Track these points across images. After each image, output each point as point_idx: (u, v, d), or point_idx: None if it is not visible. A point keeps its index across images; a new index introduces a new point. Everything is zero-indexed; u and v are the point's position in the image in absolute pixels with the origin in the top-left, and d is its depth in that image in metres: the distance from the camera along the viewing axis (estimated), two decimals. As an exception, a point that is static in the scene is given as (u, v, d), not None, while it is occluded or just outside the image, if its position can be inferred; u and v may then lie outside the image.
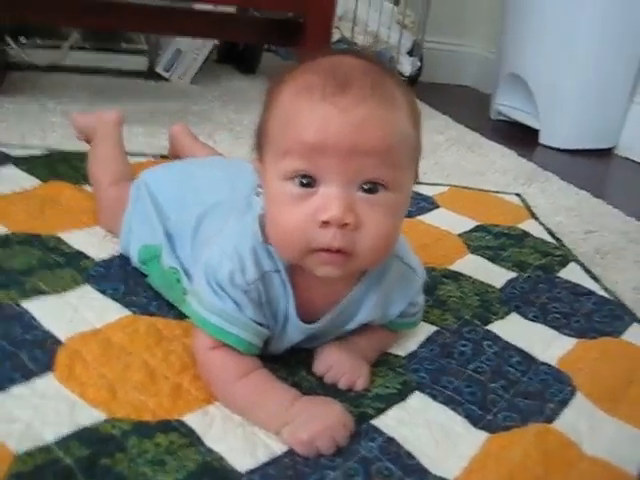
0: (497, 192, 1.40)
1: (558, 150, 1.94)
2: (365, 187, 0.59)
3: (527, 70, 2.02)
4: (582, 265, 1.09)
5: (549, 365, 0.79)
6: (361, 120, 0.57)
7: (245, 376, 0.64)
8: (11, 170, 1.13)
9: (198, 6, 1.65)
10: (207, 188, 0.82)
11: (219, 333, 0.64)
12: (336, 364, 0.70)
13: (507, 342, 0.82)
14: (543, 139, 1.98)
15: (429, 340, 0.80)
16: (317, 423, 0.60)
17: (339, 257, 0.60)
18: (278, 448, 0.60)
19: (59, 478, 0.53)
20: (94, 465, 0.55)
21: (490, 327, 0.86)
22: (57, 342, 0.70)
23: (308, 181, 0.58)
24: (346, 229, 0.58)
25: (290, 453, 0.59)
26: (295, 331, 0.68)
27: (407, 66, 2.22)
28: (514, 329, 0.86)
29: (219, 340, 0.64)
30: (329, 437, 0.59)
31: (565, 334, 0.87)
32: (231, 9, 1.78)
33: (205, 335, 0.65)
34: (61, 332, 0.72)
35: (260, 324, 0.65)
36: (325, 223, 0.58)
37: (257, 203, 0.67)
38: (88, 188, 1.06)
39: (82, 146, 1.18)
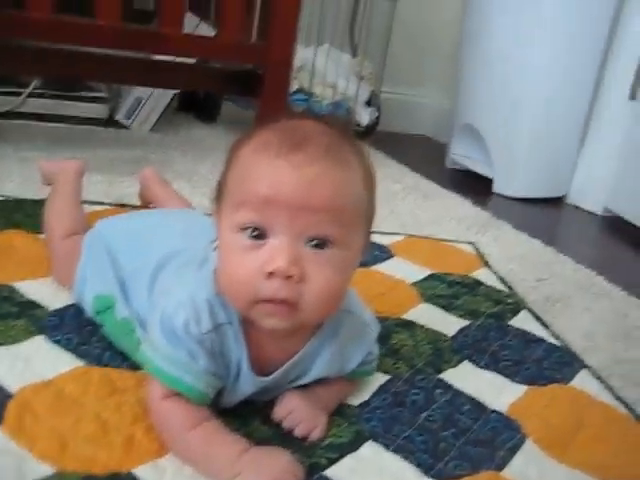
0: (451, 241, 1.43)
1: (511, 199, 1.99)
2: (313, 243, 0.60)
3: (480, 121, 2.09)
4: (533, 313, 1.12)
5: (499, 413, 0.81)
6: (313, 178, 0.59)
7: (196, 426, 0.64)
8: (-35, 218, 1.12)
9: (158, 56, 1.67)
10: (163, 239, 0.82)
11: (172, 381, 0.64)
12: (295, 411, 0.70)
13: (458, 390, 0.84)
14: (497, 188, 2.03)
15: (381, 389, 0.81)
16: (266, 474, 0.60)
17: (283, 308, 0.61)
18: (229, 501, 0.60)
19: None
20: (41, 521, 0.54)
21: (442, 375, 0.87)
22: (7, 394, 0.69)
23: (258, 233, 0.60)
24: (291, 281, 0.59)
25: (241, 505, 0.59)
26: (248, 384, 0.69)
27: (365, 116, 2.26)
28: (466, 377, 0.88)
29: (172, 389, 0.64)
30: None
31: (515, 381, 0.89)
32: (191, 60, 1.80)
33: (158, 384, 0.65)
34: (12, 384, 0.71)
35: (213, 374, 0.66)
36: (270, 274, 0.59)
37: (214, 256, 0.68)
38: (43, 237, 1.05)
39: (39, 194, 1.17)
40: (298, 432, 0.69)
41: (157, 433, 0.66)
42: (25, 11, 1.38)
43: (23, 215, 1.14)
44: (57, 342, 0.80)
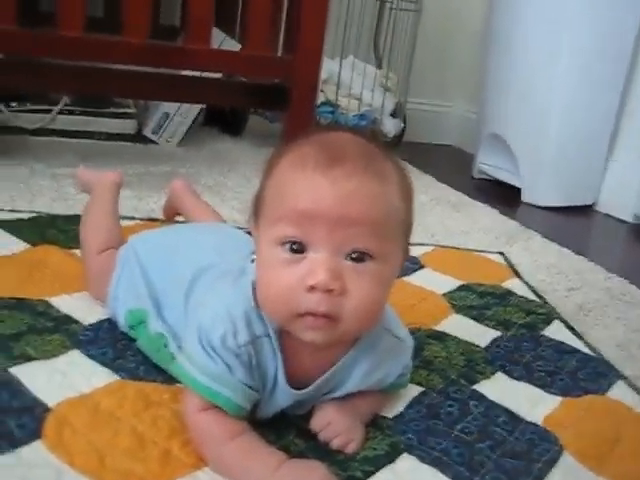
0: (481, 251, 1.42)
1: (540, 208, 1.97)
2: (352, 256, 0.61)
3: (507, 130, 2.08)
4: (566, 323, 1.11)
5: (535, 424, 0.80)
6: (351, 191, 0.59)
7: (233, 439, 0.64)
8: (-1, 234, 1.14)
9: (185, 72, 1.69)
10: (197, 253, 0.83)
11: (209, 394, 0.64)
12: (333, 423, 0.70)
13: (493, 402, 0.83)
14: (525, 197, 2.02)
15: (416, 401, 0.81)
16: None
17: (324, 322, 0.61)
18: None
19: None
20: (82, 535, 0.54)
21: (476, 387, 0.86)
22: (45, 408, 0.70)
23: (298, 247, 0.60)
24: (332, 294, 0.59)
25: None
26: (283, 396, 0.69)
27: (390, 127, 2.27)
28: (500, 388, 0.87)
29: (208, 402, 0.65)
30: None
31: (550, 393, 0.88)
32: (217, 74, 1.82)
33: (195, 397, 0.65)
34: (49, 398, 0.71)
35: (250, 387, 0.66)
36: (312, 288, 0.59)
37: (251, 269, 0.68)
38: (77, 252, 1.07)
39: (71, 209, 1.19)
40: (335, 445, 0.69)
41: (194, 446, 0.66)
42: (56, 30, 1.40)
43: (56, 230, 1.15)
44: (92, 357, 0.81)
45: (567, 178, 2.01)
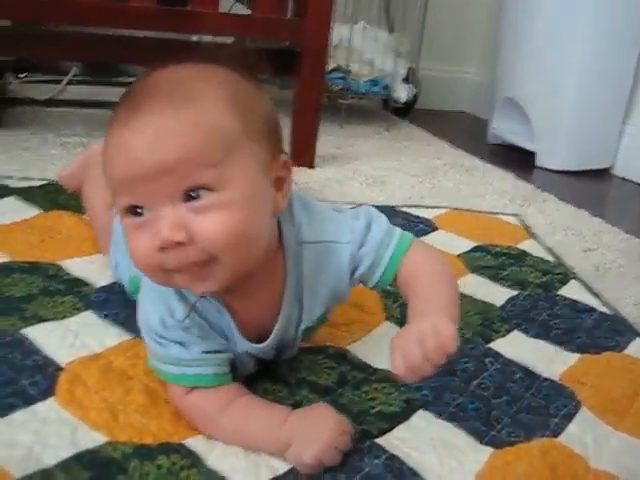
0: (495, 213, 1.41)
1: (555, 172, 1.94)
2: (189, 197, 0.56)
3: (522, 94, 2.04)
4: (582, 282, 1.09)
5: (552, 380, 0.79)
6: (154, 137, 0.54)
7: (225, 409, 0.63)
8: (11, 201, 1.14)
9: (195, 37, 1.67)
10: None
11: (182, 379, 0.64)
12: (405, 343, 0.57)
13: (509, 359, 0.82)
14: (540, 161, 1.99)
15: (431, 358, 0.80)
16: (317, 442, 0.59)
17: (197, 270, 0.57)
18: (281, 467, 0.60)
19: (60, 501, 0.53)
20: (96, 488, 0.54)
21: (492, 345, 0.85)
22: (58, 367, 0.70)
23: (140, 210, 0.57)
24: (184, 245, 0.55)
25: (293, 471, 0.59)
26: (248, 350, 0.67)
27: (403, 93, 2.23)
28: (516, 346, 0.86)
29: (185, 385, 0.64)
30: (332, 451, 0.59)
31: (567, 350, 0.87)
32: (228, 39, 1.80)
33: (173, 384, 0.65)
34: (62, 357, 0.72)
35: (216, 351, 0.65)
36: (162, 248, 0.56)
37: None
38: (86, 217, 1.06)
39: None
40: (431, 348, 0.56)
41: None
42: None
43: (66, 197, 1.15)
44: (104, 317, 0.81)
45: (583, 142, 1.97)
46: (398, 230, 0.71)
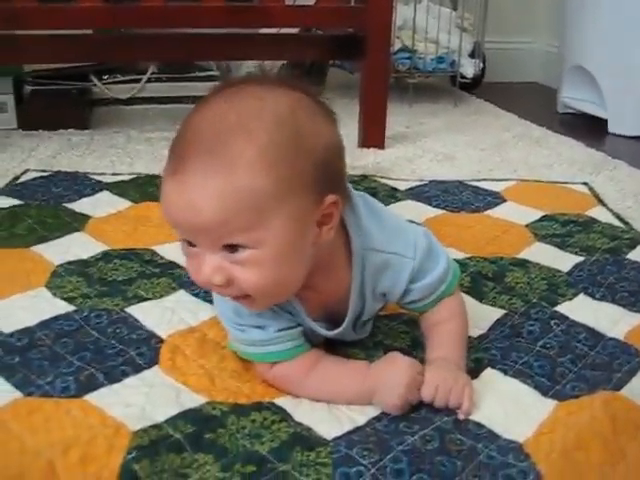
0: (564, 183, 1.43)
1: (627, 137, 1.93)
2: (227, 248, 0.61)
3: (591, 61, 2.03)
4: (652, 246, 1.11)
5: (616, 339, 0.82)
6: (192, 199, 0.58)
7: (309, 373, 0.70)
8: (105, 195, 1.25)
9: (263, 30, 1.74)
10: None
11: (265, 357, 0.71)
12: (440, 385, 0.68)
13: (574, 321, 0.86)
14: (611, 128, 1.98)
15: (498, 322, 0.85)
16: (400, 384, 0.66)
17: (240, 299, 0.65)
18: (360, 420, 0.67)
19: (171, 449, 0.61)
20: (200, 439, 0.62)
21: (557, 308, 0.89)
22: (159, 340, 0.79)
23: (190, 242, 0.63)
24: (223, 286, 0.62)
25: (371, 423, 0.66)
26: (323, 335, 0.74)
27: (470, 68, 2.25)
28: (582, 309, 0.90)
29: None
30: (414, 390, 0.67)
31: (633, 311, 0.90)
32: (294, 30, 1.86)
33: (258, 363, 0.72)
34: (162, 331, 0.81)
35: (289, 328, 0.71)
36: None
37: None
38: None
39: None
40: (452, 404, 0.68)
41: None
42: (139, 2, 1.48)
43: (155, 188, 1.24)
44: (197, 295, 0.89)
45: (656, 105, 1.95)
46: (451, 269, 0.76)
